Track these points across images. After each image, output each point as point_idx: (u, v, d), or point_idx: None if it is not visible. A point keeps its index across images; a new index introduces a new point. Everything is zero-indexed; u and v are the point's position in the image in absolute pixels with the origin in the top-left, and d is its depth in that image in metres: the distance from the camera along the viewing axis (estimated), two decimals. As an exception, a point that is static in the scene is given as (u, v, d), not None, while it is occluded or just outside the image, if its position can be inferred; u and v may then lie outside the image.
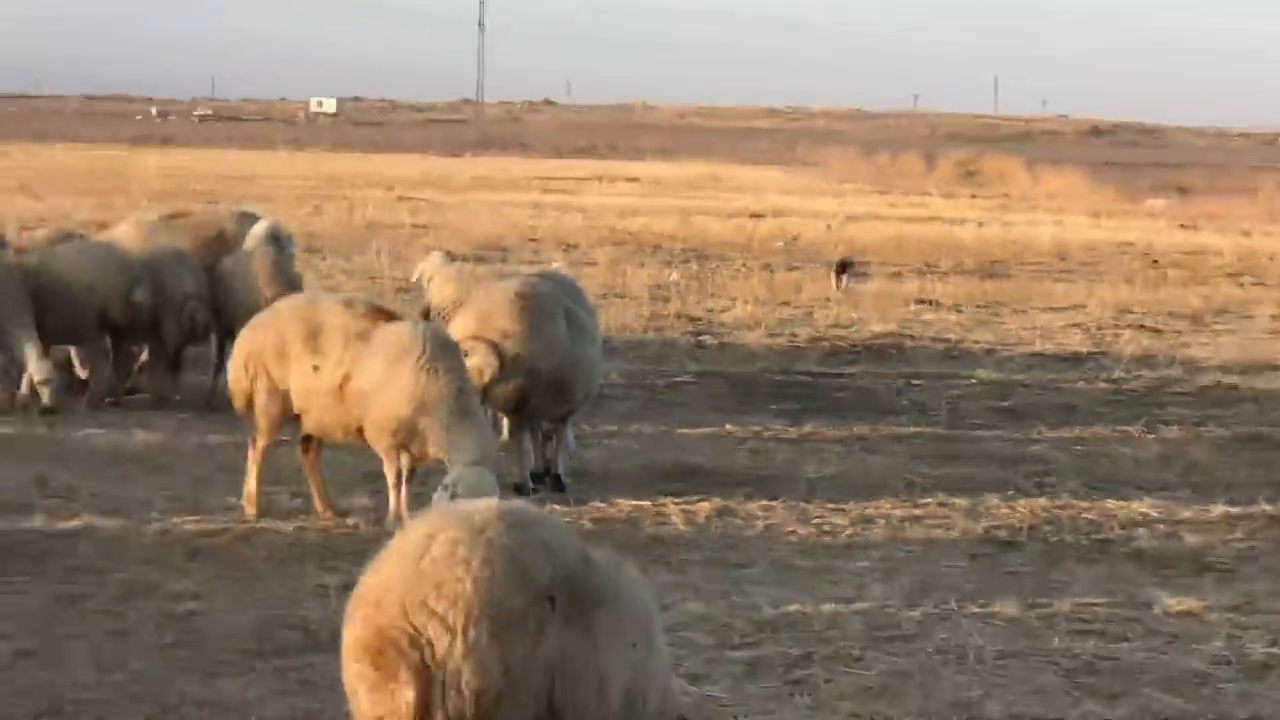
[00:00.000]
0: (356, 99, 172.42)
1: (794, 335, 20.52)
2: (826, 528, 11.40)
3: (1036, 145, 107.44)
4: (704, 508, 11.71)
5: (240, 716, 7.65)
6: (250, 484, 11.20)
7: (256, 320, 11.45)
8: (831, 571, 10.38)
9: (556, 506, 11.26)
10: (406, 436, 10.72)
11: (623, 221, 36.91)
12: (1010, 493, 12.55)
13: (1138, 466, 13.90)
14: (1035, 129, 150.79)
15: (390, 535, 5.56)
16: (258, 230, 15.60)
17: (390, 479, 10.93)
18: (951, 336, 20.94)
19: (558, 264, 24.41)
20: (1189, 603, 9.85)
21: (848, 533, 11.32)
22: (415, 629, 5.08)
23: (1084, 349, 20.23)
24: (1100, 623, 9.48)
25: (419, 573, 5.14)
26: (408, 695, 5.06)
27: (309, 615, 9.00)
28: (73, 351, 15.58)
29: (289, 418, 11.08)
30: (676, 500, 11.86)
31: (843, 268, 25.58)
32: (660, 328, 20.68)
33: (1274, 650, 9.09)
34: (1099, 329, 22.10)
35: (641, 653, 5.46)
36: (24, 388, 14.36)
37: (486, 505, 5.54)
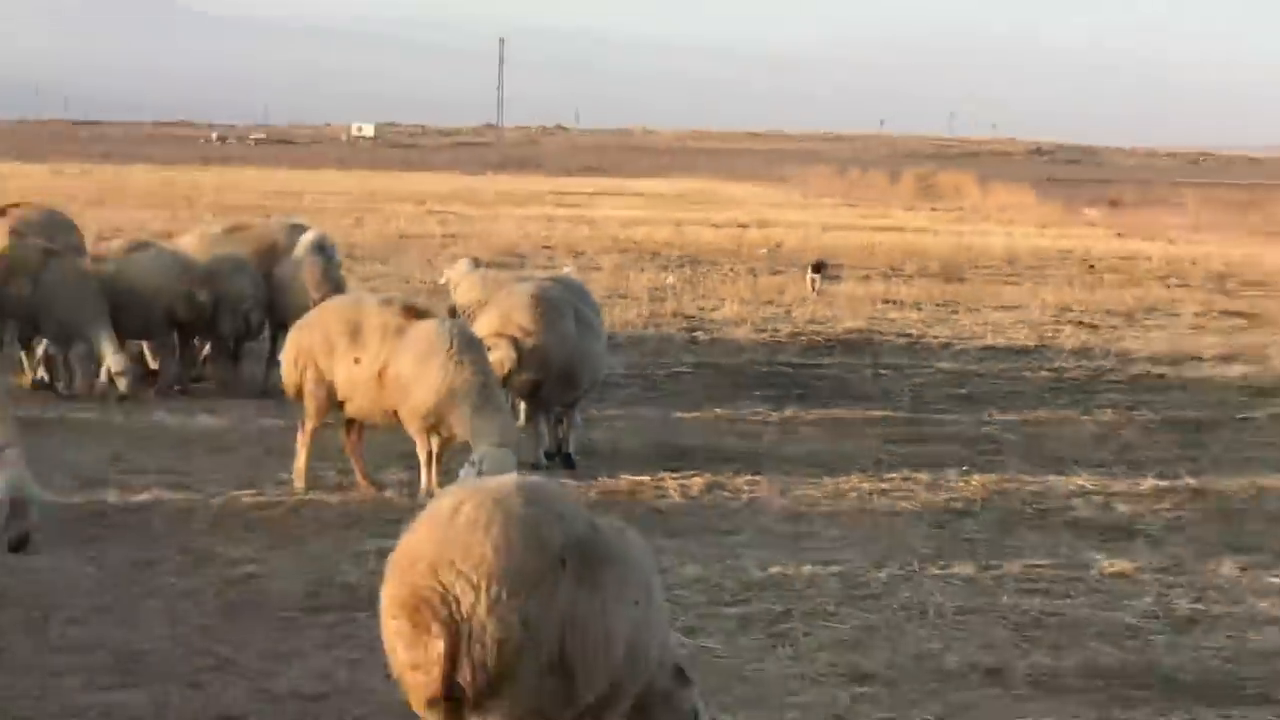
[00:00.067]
0: (392, 124, 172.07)
1: (776, 331, 20.50)
2: (805, 499, 11.40)
3: (987, 164, 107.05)
4: (697, 482, 11.70)
5: (291, 666, 7.66)
6: (300, 462, 11.21)
7: (305, 319, 11.45)
8: (810, 537, 10.38)
9: (567, 480, 11.27)
10: (436, 420, 10.72)
11: (625, 231, 36.85)
12: (966, 468, 12.53)
13: (1077, 445, 13.88)
14: (986, 149, 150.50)
15: (422, 506, 5.55)
16: (306, 240, 15.58)
17: (422, 457, 10.94)
18: (914, 332, 20.90)
19: (568, 269, 24.30)
20: (1122, 564, 9.86)
21: (824, 504, 11.31)
22: (444, 587, 5.07)
23: (1030, 343, 20.20)
24: (1045, 582, 9.48)
25: (447, 538, 5.13)
26: (439, 646, 5.06)
27: (351, 577, 9.00)
28: (145, 346, 15.62)
29: (334, 404, 11.09)
30: (673, 475, 11.85)
31: (817, 268, 25.54)
32: (658, 325, 20.66)
33: (1198, 606, 9.10)
34: (1043, 325, 22.05)
35: (643, 609, 5.45)
36: (103, 378, 14.36)
37: (507, 479, 5.55)
